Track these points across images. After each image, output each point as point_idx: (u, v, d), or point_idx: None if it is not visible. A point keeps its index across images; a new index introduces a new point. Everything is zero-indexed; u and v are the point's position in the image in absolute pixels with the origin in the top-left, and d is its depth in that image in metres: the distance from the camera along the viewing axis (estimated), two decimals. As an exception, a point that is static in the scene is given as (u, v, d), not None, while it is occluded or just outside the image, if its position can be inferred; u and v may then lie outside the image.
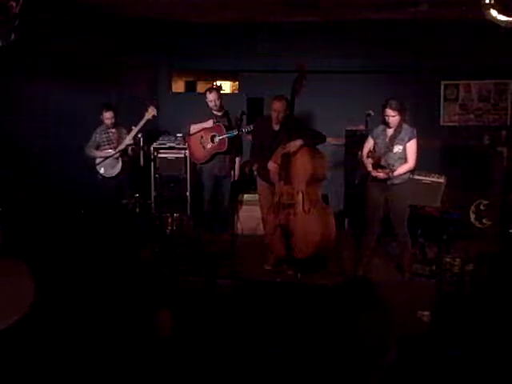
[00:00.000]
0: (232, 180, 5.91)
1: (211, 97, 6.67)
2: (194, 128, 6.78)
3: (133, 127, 6.63)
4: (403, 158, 5.33)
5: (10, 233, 5.21)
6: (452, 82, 7.81)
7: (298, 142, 5.44)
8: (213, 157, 6.78)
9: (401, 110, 5.28)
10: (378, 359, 1.49)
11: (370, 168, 5.34)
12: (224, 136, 6.59)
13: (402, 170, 5.32)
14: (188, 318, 4.10)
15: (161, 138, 7.85)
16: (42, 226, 5.69)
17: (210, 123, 6.70)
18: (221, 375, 3.36)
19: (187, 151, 7.42)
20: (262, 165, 5.80)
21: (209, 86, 8.50)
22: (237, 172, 6.36)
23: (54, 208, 6.04)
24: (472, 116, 7.77)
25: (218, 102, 6.68)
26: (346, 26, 7.61)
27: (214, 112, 6.75)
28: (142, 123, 6.62)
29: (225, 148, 6.64)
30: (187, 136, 6.95)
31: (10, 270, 2.97)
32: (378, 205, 5.44)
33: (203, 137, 6.79)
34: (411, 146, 5.32)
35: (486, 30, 5.65)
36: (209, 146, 6.76)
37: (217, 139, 6.68)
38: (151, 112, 6.63)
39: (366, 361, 1.48)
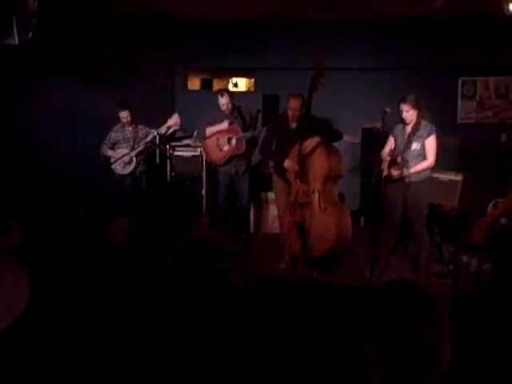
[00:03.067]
0: (248, 178, 5.89)
1: (223, 101, 6.54)
2: (209, 131, 6.69)
3: (152, 130, 6.57)
4: (422, 155, 5.28)
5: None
6: (469, 79, 7.73)
7: (315, 140, 5.41)
8: (230, 159, 6.65)
9: (416, 106, 5.23)
10: (431, 366, 1.49)
11: (386, 166, 5.31)
12: (240, 136, 6.48)
13: (421, 166, 5.27)
14: (203, 316, 4.12)
15: (177, 136, 7.84)
16: (56, 224, 5.72)
17: (225, 125, 6.60)
18: (235, 372, 3.37)
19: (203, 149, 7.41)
20: (278, 163, 5.77)
21: (220, 87, 8.49)
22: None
23: (69, 206, 6.08)
24: (489, 113, 7.69)
25: (229, 106, 6.54)
26: (361, 23, 7.57)
27: (227, 113, 6.62)
28: (162, 129, 6.50)
29: (242, 150, 6.51)
30: (202, 139, 6.85)
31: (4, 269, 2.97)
32: (397, 203, 5.39)
33: (219, 139, 6.68)
34: (430, 143, 5.26)
35: (504, 25, 5.60)
36: (226, 148, 6.66)
37: (233, 141, 6.57)
38: (174, 120, 6.48)
39: (417, 368, 1.48)
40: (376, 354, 1.51)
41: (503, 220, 5.49)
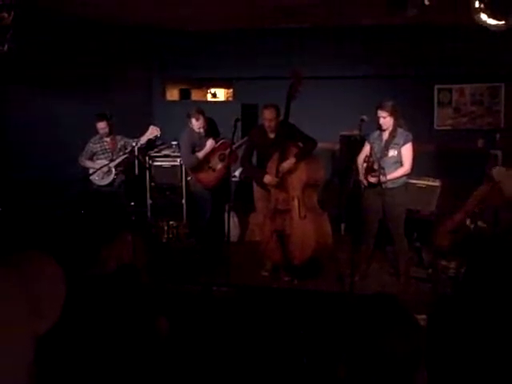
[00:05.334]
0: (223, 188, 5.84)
1: (199, 124, 6.18)
2: (199, 156, 6.29)
3: (133, 144, 6.32)
4: (399, 162, 5.34)
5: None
6: (445, 86, 7.83)
7: (291, 161, 5.41)
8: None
9: (393, 112, 5.29)
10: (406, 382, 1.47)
11: (363, 173, 5.35)
12: (236, 145, 5.96)
13: (397, 173, 5.33)
14: (186, 326, 4.10)
15: (155, 147, 7.81)
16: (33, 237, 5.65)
17: (212, 144, 6.29)
18: (218, 380, 3.36)
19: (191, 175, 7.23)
20: (258, 172, 5.75)
21: (198, 97, 8.38)
22: None
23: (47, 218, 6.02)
24: (465, 119, 7.79)
25: (205, 126, 6.24)
26: (339, 32, 7.63)
27: (203, 134, 6.30)
28: (142, 141, 6.34)
29: (237, 160, 6.14)
30: (192, 167, 6.44)
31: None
32: (374, 209, 5.44)
33: (210, 161, 6.35)
34: (406, 150, 5.33)
35: (477, 34, 5.69)
36: (219, 166, 6.33)
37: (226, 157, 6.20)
38: (153, 132, 6.31)
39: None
40: (350, 373, 1.49)
41: (480, 223, 5.57)
